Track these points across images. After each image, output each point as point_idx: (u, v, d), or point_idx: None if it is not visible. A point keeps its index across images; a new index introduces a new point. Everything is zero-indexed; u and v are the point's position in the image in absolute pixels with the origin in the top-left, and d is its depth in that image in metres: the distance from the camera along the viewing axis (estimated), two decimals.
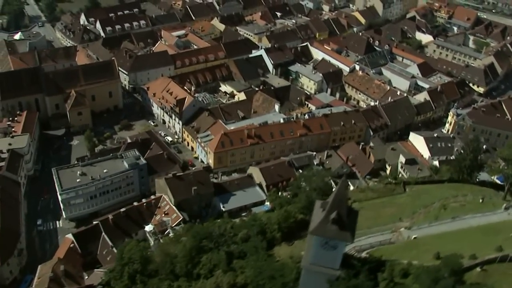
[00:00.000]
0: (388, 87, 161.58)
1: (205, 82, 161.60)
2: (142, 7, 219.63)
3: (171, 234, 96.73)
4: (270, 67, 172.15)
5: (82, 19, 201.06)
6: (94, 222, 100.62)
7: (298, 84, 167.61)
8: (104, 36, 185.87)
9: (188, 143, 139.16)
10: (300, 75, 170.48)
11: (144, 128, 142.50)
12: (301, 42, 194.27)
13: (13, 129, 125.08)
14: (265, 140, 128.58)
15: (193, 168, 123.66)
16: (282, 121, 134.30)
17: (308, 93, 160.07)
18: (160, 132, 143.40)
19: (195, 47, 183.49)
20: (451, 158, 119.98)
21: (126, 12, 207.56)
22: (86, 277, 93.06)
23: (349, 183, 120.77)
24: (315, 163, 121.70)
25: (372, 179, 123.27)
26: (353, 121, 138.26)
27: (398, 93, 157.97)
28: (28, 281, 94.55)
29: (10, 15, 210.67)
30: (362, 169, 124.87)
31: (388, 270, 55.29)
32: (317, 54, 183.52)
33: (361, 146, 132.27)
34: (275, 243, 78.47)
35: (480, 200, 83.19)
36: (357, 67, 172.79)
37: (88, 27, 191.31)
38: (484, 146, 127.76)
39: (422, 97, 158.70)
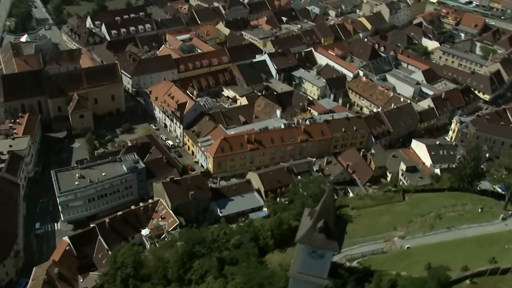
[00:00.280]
0: (392, 94, 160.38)
1: (207, 87, 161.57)
2: (148, 11, 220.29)
3: (167, 238, 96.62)
4: (274, 72, 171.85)
5: (88, 22, 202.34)
6: (91, 225, 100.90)
7: (302, 90, 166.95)
8: (109, 39, 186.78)
9: (188, 147, 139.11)
10: (304, 81, 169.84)
11: (146, 131, 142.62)
12: (306, 47, 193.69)
13: (14, 131, 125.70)
14: (265, 145, 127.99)
15: (193, 173, 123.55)
16: (283, 126, 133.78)
17: (311, 99, 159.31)
18: (161, 136, 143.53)
19: (199, 51, 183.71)
20: (454, 166, 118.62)
21: (132, 15, 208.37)
22: (81, 280, 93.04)
23: (349, 190, 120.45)
24: (315, 170, 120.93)
25: (372, 186, 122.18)
26: (354, 128, 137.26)
27: (402, 99, 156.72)
28: (22, 284, 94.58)
29: (18, 17, 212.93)
30: (362, 176, 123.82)
31: (375, 280, 54.53)
32: (321, 59, 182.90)
33: (361, 152, 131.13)
34: (268, 250, 77.98)
35: (479, 210, 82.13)
36: (361, 73, 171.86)
37: (93, 30, 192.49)
38: (487, 155, 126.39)
39: (426, 104, 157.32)
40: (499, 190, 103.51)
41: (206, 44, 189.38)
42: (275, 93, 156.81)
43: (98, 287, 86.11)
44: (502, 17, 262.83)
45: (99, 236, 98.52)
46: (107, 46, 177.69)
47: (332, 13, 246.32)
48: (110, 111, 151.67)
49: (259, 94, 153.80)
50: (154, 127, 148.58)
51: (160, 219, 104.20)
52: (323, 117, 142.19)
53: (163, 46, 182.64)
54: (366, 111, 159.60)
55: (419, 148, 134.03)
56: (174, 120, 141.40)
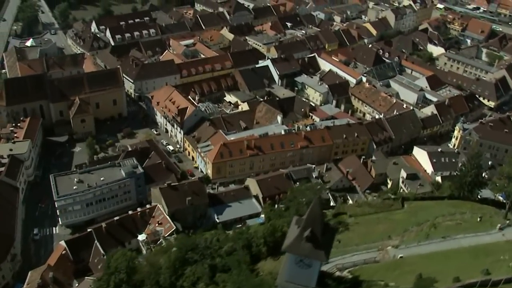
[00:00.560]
0: (395, 100, 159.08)
1: (210, 92, 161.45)
2: (153, 16, 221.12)
3: (163, 244, 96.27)
4: (276, 77, 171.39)
5: (93, 27, 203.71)
6: (88, 230, 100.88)
7: (304, 95, 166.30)
8: (113, 44, 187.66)
9: (189, 152, 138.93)
10: (306, 86, 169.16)
11: (147, 136, 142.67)
12: (310, 53, 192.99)
13: (15, 135, 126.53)
14: (265, 151, 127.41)
15: (192, 178, 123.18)
16: (283, 132, 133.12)
17: (313, 105, 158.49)
18: (162, 141, 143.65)
19: (203, 56, 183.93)
20: (455, 173, 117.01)
21: (137, 20, 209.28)
22: (76, 284, 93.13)
23: (348, 197, 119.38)
24: (314, 176, 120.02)
25: (372, 193, 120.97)
26: (356, 134, 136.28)
27: (405, 106, 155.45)
28: None
29: (24, 22, 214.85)
30: (362, 183, 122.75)
31: None
32: (325, 65, 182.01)
33: (362, 159, 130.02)
34: (261, 257, 77.21)
35: (478, 219, 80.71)
36: (364, 79, 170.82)
37: (98, 35, 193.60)
38: (490, 162, 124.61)
39: (429, 110, 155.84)
40: (501, 198, 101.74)
41: (209, 49, 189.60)
42: (277, 98, 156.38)
43: None
44: (510, 23, 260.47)
45: (96, 241, 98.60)
46: (111, 50, 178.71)
47: (337, 18, 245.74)
48: (112, 116, 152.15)
49: (261, 99, 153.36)
50: (155, 132, 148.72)
51: (157, 225, 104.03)
52: (324, 123, 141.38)
53: (166, 51, 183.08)
54: (368, 117, 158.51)
55: (420, 155, 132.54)
56: (175, 125, 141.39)
